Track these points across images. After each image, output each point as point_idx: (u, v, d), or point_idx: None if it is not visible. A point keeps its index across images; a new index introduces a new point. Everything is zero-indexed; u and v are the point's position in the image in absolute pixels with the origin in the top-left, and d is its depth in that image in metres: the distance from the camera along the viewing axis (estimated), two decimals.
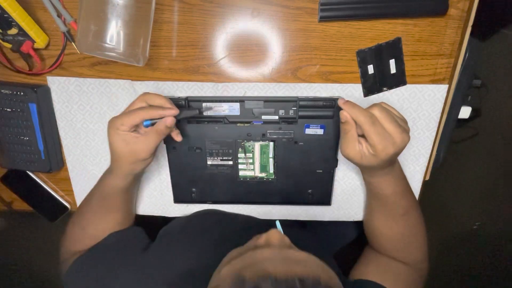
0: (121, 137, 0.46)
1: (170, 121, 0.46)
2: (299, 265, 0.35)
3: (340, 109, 0.45)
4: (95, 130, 0.60)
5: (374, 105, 0.44)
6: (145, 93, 0.48)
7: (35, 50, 0.54)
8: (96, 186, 0.58)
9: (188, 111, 0.50)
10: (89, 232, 0.57)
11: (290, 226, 0.66)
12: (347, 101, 0.45)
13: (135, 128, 0.47)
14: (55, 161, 0.61)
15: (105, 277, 0.50)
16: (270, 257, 0.36)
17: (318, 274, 0.34)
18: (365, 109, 0.44)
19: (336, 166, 0.60)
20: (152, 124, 0.47)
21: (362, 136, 0.45)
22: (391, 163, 0.48)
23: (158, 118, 0.47)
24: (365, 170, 0.51)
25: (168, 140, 0.58)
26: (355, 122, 0.44)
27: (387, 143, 0.42)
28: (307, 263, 0.36)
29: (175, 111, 0.47)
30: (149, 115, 0.46)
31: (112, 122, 0.47)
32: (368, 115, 0.43)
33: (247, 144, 0.58)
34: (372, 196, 0.55)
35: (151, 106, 0.47)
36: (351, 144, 0.45)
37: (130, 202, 0.60)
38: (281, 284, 0.31)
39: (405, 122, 0.46)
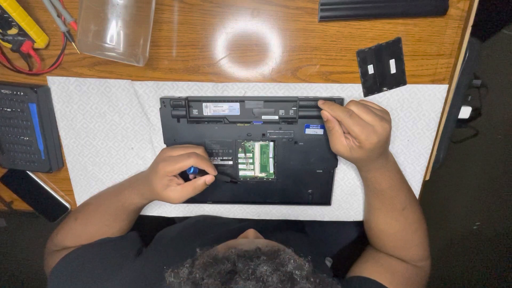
0: (164, 182, 0.50)
1: (210, 179, 0.51)
2: (262, 242, 0.41)
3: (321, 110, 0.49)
4: (95, 130, 0.60)
5: (351, 101, 0.48)
6: (196, 147, 0.52)
7: (35, 50, 0.54)
8: (112, 192, 0.59)
9: (224, 176, 0.57)
10: (87, 231, 0.57)
11: (285, 229, 0.66)
12: (325, 101, 0.49)
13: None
14: (55, 161, 0.61)
15: (94, 279, 0.50)
16: (243, 242, 0.42)
17: (277, 245, 0.39)
18: (342, 106, 0.48)
19: (336, 166, 0.60)
20: (195, 173, 0.50)
21: (349, 133, 0.48)
22: (382, 155, 0.50)
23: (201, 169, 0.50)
24: (360, 165, 0.53)
25: (168, 139, 0.58)
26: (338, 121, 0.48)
27: (368, 131, 0.45)
28: (269, 243, 0.41)
29: (215, 172, 0.52)
30: (198, 163, 0.49)
31: (163, 165, 0.49)
32: (345, 110, 0.47)
33: (247, 144, 0.58)
34: (370, 193, 0.56)
35: (199, 156, 0.50)
36: (338, 140, 0.48)
37: (137, 215, 0.62)
38: (242, 253, 0.36)
39: (386, 113, 0.49)
